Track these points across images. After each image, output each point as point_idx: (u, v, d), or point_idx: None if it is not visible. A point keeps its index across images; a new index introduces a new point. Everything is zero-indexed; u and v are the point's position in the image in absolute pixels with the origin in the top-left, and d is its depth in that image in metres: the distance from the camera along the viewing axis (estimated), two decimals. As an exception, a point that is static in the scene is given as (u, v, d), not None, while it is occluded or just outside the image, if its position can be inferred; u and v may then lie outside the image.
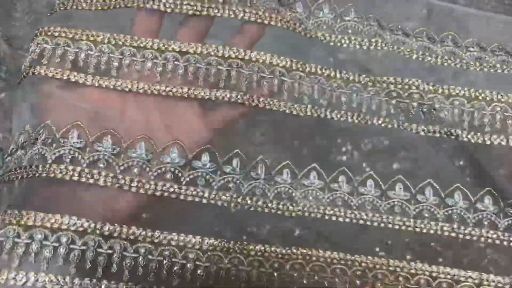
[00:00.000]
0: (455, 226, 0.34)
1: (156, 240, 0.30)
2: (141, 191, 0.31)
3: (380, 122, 0.35)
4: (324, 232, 0.39)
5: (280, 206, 0.33)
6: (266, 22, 0.35)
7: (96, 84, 0.33)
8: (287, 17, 0.36)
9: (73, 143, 0.31)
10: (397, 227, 0.34)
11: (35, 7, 0.48)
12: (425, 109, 0.36)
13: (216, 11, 0.35)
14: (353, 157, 0.42)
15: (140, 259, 0.30)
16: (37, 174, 0.29)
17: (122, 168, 0.31)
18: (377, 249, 0.40)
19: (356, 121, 0.35)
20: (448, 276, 0.33)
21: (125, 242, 0.30)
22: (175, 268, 0.30)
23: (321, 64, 0.35)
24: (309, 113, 0.35)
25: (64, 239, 0.29)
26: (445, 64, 0.37)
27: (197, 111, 0.35)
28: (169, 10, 0.35)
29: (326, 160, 0.41)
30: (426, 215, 0.34)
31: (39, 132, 0.31)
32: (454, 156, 0.43)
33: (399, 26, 0.38)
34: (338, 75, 0.36)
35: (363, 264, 0.33)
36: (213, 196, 0.32)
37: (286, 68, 0.35)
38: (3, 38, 0.47)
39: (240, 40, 0.36)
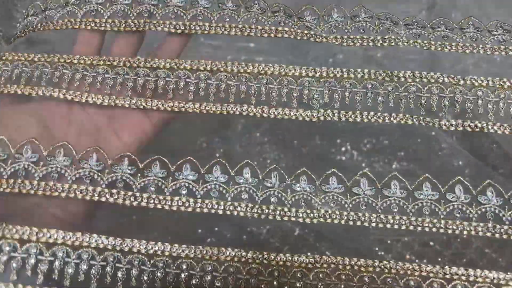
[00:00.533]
0: (490, 225, 0.31)
1: (174, 254, 0.31)
2: (158, 206, 0.32)
3: (399, 119, 0.34)
4: (324, 232, 0.37)
5: (300, 214, 0.32)
6: (272, 35, 0.36)
7: (98, 102, 0.35)
8: (294, 27, 0.36)
9: (59, 160, 0.32)
10: (426, 229, 0.32)
11: (36, 7, 0.51)
12: (446, 102, 0.34)
13: (223, 29, 0.36)
14: (353, 157, 0.40)
15: (157, 272, 0.30)
16: (24, 190, 0.31)
17: (139, 186, 0.33)
18: (376, 249, 0.38)
19: (372, 120, 0.34)
20: (479, 279, 0.30)
21: (143, 257, 0.31)
22: (193, 280, 0.30)
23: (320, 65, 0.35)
24: (322, 118, 0.34)
25: (85, 256, 0.30)
26: (467, 51, 0.35)
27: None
28: (172, 30, 0.37)
29: (327, 160, 0.40)
30: (458, 215, 0.32)
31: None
32: (455, 155, 0.40)
33: (414, 20, 0.37)
34: (352, 75, 0.35)
35: (393, 271, 0.31)
36: (228, 207, 0.32)
37: (294, 76, 0.35)
38: (3, 38, 0.49)
39: (167, 50, 0.38)
